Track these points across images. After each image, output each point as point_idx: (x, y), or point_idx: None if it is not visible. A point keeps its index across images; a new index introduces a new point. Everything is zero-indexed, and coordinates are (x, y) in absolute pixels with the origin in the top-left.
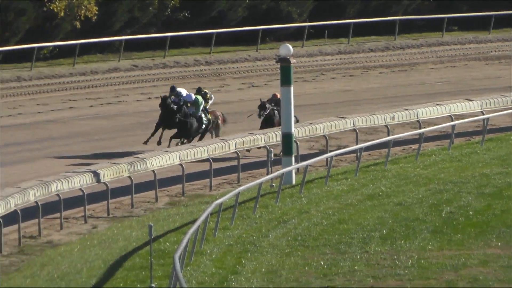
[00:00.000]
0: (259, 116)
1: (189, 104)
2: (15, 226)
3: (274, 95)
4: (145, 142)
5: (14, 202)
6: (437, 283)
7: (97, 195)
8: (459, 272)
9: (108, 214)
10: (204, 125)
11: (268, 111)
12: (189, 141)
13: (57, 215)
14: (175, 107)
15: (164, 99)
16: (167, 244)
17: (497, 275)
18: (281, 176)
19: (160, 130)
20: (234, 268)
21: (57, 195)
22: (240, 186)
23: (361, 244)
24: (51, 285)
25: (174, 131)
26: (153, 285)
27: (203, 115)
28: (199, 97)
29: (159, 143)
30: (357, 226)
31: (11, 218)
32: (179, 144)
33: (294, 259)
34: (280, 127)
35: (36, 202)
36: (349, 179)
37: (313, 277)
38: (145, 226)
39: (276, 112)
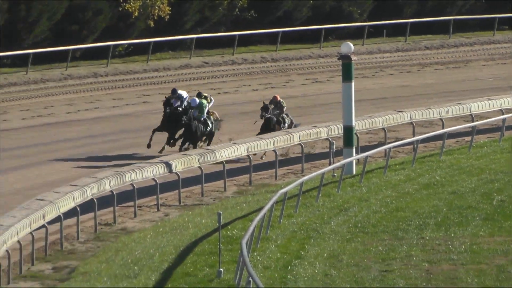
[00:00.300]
0: (261, 117)
1: (192, 109)
2: (91, 214)
3: (275, 97)
4: (148, 145)
5: (90, 191)
6: (488, 268)
7: (169, 184)
8: (509, 257)
9: (180, 203)
10: (209, 128)
11: (269, 113)
12: (194, 147)
13: (131, 203)
14: (180, 109)
15: (167, 100)
16: (235, 230)
17: None
18: (342, 166)
19: (153, 133)
20: (298, 253)
21: (131, 184)
22: (304, 176)
23: (417, 231)
24: (125, 270)
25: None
26: (221, 269)
27: (207, 118)
28: (204, 101)
29: (149, 146)
30: (413, 213)
31: (88, 206)
32: (184, 149)
33: (354, 245)
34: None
35: (111, 191)
36: (406, 169)
37: (372, 261)
38: (214, 213)
39: (275, 115)
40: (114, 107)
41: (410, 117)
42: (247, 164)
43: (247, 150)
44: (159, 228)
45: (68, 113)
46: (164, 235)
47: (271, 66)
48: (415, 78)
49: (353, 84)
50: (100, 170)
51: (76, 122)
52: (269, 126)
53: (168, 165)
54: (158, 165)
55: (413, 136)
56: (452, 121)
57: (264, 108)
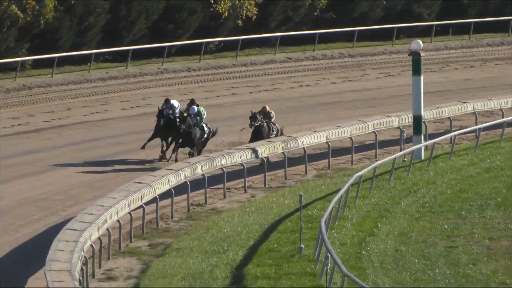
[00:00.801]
0: (250, 126)
1: (192, 116)
2: (185, 196)
3: (264, 108)
4: (143, 147)
5: (184, 175)
6: None
7: (256, 168)
8: None
9: (265, 185)
10: (206, 134)
11: (258, 122)
12: (196, 151)
13: (221, 186)
14: (177, 118)
15: (161, 111)
16: (315, 210)
17: None
18: (412, 152)
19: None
20: (371, 231)
21: (221, 168)
22: (377, 161)
23: (479, 210)
24: (214, 246)
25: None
26: (302, 245)
27: (204, 125)
28: (202, 108)
29: (143, 147)
30: (475, 195)
31: (181, 188)
32: (190, 156)
33: (422, 223)
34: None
35: (202, 174)
36: (469, 155)
37: (438, 238)
38: (296, 195)
39: (265, 124)
40: (206, 98)
41: (473, 108)
42: (326, 150)
43: (325, 137)
44: (246, 208)
45: None
46: (251, 215)
47: (348, 61)
48: (477, 72)
49: (422, 77)
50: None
51: None
52: (260, 134)
53: (254, 151)
54: (245, 151)
55: (476, 125)
56: (510, 111)
57: (253, 117)
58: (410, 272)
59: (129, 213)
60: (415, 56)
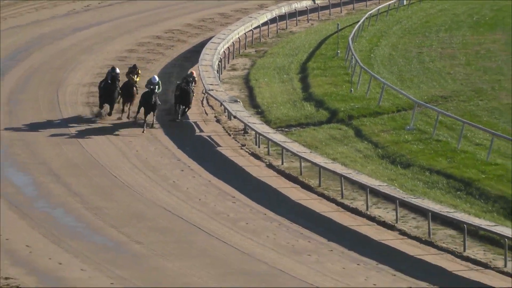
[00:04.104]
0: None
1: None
2: (275, 24)
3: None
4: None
5: (274, 13)
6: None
7: (313, 10)
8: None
9: (318, 18)
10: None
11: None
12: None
13: (294, 18)
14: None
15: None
16: (346, 32)
17: None
18: (398, 1)
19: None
20: (376, 43)
21: (295, 9)
22: (380, 4)
23: (435, 32)
24: (291, 51)
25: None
26: (338, 51)
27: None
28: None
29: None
30: (434, 24)
31: (273, 20)
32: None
33: (404, 39)
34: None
35: (285, 12)
36: (431, 2)
37: (412, 47)
38: (335, 24)
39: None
40: None
41: None
42: None
43: None
44: (309, 31)
45: None
46: (311, 35)
47: None
48: None
49: None
50: None
51: None
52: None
53: None
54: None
55: None
56: None
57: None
58: (397, 66)
59: (245, 33)
60: None
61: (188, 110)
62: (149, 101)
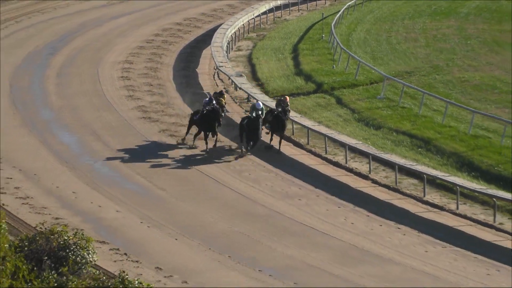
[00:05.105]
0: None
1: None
2: (272, 13)
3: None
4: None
5: (272, 4)
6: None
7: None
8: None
9: (307, 8)
10: None
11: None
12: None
13: (288, 9)
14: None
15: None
16: (329, 20)
17: None
18: None
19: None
20: (353, 29)
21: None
22: None
23: (401, 20)
24: (284, 35)
25: None
26: (323, 35)
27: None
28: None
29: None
30: (400, 13)
31: (270, 10)
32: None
33: (376, 26)
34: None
35: (281, 4)
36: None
37: (383, 32)
38: (321, 12)
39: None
40: None
41: None
42: None
43: None
44: (300, 19)
45: None
46: (301, 22)
47: None
48: None
49: None
50: None
51: None
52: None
53: None
54: None
55: None
56: None
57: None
58: (370, 47)
59: (248, 21)
60: None
61: (282, 139)
62: (253, 129)
